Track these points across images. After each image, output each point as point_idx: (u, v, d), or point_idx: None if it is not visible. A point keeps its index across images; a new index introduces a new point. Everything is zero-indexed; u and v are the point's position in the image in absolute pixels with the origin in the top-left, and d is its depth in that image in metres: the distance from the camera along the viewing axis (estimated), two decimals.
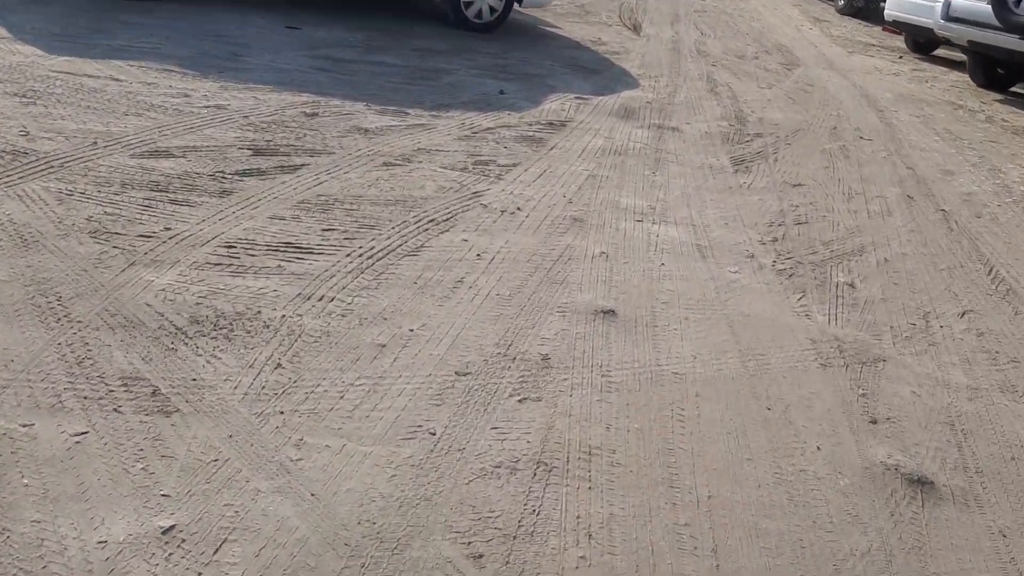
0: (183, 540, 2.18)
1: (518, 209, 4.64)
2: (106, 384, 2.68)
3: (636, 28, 11.17)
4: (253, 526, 2.26)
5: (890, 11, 13.03)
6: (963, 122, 8.68)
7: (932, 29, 11.21)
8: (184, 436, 2.53)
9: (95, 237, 3.51)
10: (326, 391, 2.85)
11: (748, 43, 11.56)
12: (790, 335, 3.85)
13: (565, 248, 4.28)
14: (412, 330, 3.30)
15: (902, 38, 14.09)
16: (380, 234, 4.03)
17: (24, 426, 2.46)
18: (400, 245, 3.97)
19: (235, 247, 3.63)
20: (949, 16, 10.60)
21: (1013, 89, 10.95)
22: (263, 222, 3.91)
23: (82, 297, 3.11)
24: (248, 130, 4.95)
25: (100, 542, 2.13)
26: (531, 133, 6.03)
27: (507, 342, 3.34)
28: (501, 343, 3.32)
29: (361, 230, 4.04)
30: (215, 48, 6.44)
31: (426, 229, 4.18)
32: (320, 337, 3.14)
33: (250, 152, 4.66)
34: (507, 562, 2.29)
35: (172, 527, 2.21)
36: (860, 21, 16.54)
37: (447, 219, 4.34)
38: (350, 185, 4.50)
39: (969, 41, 10.29)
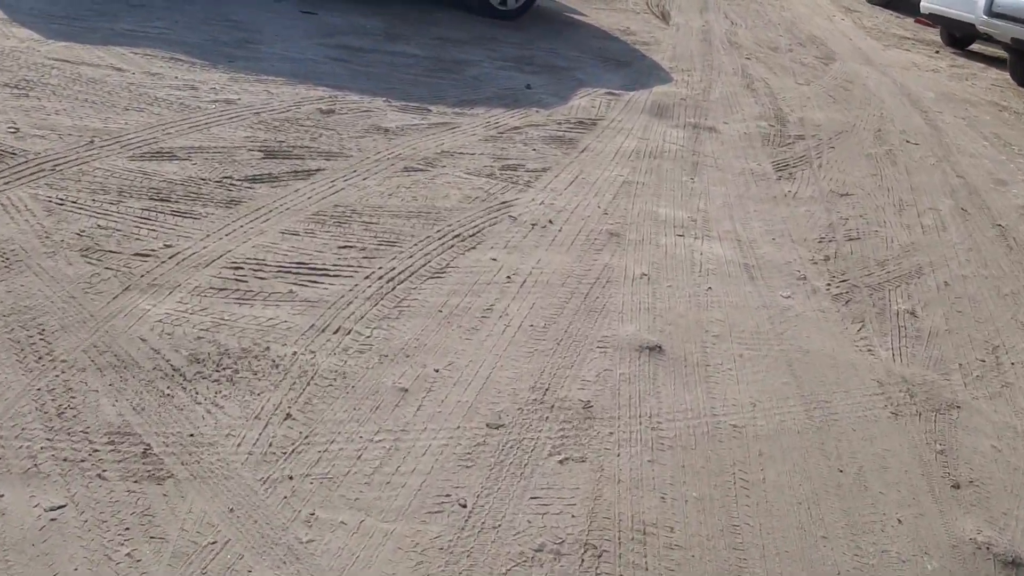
0: None
1: (550, 222, 4.26)
2: (90, 441, 2.32)
3: (664, 17, 10.72)
4: None
5: (927, 3, 12.53)
6: (1010, 125, 8.24)
7: (973, 24, 10.75)
8: (178, 510, 2.16)
9: (86, 256, 3.14)
10: (341, 449, 2.48)
11: (780, 34, 11.10)
12: (854, 375, 3.47)
13: (603, 268, 3.91)
14: (437, 370, 2.93)
15: (935, 30, 13.61)
16: (401, 252, 3.65)
17: None
18: (423, 265, 3.59)
19: (242, 268, 3.26)
20: (992, 12, 10.14)
21: None
22: (274, 238, 3.54)
23: (68, 330, 2.74)
24: (259, 129, 4.57)
25: None
26: (561, 133, 5.63)
27: (543, 385, 2.97)
28: (537, 386, 2.95)
29: (381, 247, 3.66)
30: (226, 34, 6.05)
31: (451, 246, 3.81)
32: (335, 379, 2.78)
33: (261, 154, 4.28)
34: None
35: None
36: (891, 11, 16.03)
37: (474, 234, 3.96)
38: (369, 194, 4.12)
39: (1013, 39, 9.83)
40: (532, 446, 2.65)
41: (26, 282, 2.94)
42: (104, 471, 2.24)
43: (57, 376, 2.54)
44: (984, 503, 2.86)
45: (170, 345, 2.77)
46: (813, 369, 3.45)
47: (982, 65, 11.79)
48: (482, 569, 2.19)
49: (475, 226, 4.05)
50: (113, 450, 2.31)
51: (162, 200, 3.64)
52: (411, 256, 3.65)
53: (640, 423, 2.86)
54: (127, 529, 2.09)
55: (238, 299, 3.08)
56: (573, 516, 2.41)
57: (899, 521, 2.67)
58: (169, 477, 2.27)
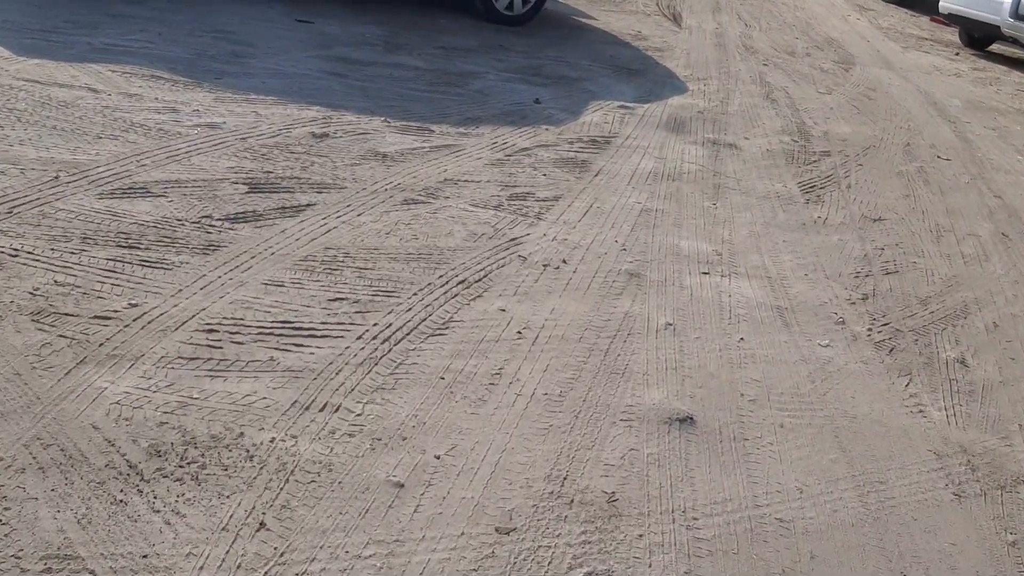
0: None
1: (563, 262, 3.86)
2: (22, 570, 1.93)
3: (676, 19, 10.31)
4: None
5: (946, 4, 12.11)
6: None
7: (997, 27, 10.32)
8: None
9: (38, 321, 2.75)
10: (324, 570, 2.09)
11: (796, 36, 10.68)
12: (908, 445, 3.07)
13: (623, 317, 3.51)
14: (438, 457, 2.54)
15: (952, 30, 13.22)
16: (399, 304, 3.26)
17: None
18: (424, 320, 3.20)
19: (217, 331, 2.87)
20: (1020, 14, 9.71)
21: None
22: (255, 290, 3.15)
23: (8, 417, 2.36)
24: (245, 157, 4.17)
25: None
26: (572, 154, 5.23)
27: (561, 473, 2.58)
28: (554, 475, 2.56)
29: (376, 299, 3.27)
30: (214, 47, 5.65)
31: (455, 295, 3.41)
32: (319, 473, 2.38)
33: (246, 188, 3.89)
34: None
35: None
36: (906, 10, 15.60)
37: (480, 279, 3.57)
38: (364, 233, 3.72)
39: None
40: (549, 557, 2.26)
41: None
42: None
43: None
44: None
45: (127, 434, 2.38)
46: (863, 439, 3.05)
47: (1005, 68, 11.37)
48: None
49: (482, 269, 3.65)
50: None
51: (131, 247, 3.25)
52: (410, 308, 3.25)
53: (674, 521, 2.46)
54: None
55: (210, 371, 2.69)
56: None
57: None
58: None
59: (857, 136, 6.74)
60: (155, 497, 2.20)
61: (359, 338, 3.01)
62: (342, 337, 3.00)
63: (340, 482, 2.38)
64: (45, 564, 1.98)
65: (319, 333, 2.99)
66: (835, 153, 6.25)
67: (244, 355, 2.79)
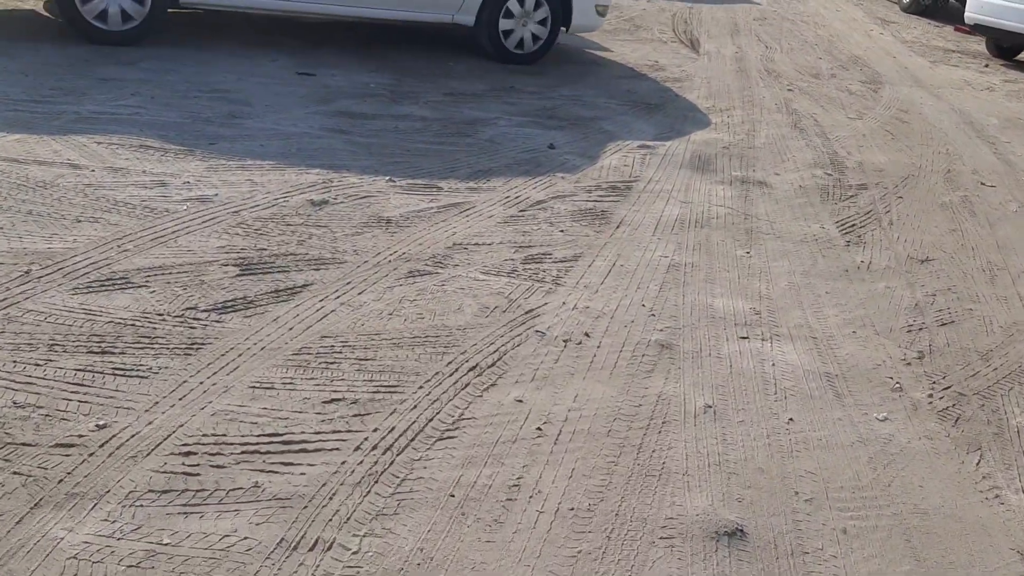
0: None
1: (586, 335, 3.49)
2: None
3: (694, 45, 9.97)
4: None
5: (972, 13, 11.69)
6: None
7: None
8: None
9: None
10: None
11: (820, 56, 10.30)
12: (989, 546, 2.67)
13: (656, 401, 3.13)
14: None
15: (977, 39, 12.78)
16: (403, 402, 2.90)
17: None
18: (431, 420, 2.84)
19: (195, 453, 2.53)
20: None
21: None
22: (241, 396, 2.80)
23: None
24: (237, 234, 3.85)
25: None
26: (591, 204, 4.88)
27: None
28: None
29: (377, 396, 2.91)
30: (209, 108, 5.36)
31: (466, 385, 3.05)
32: None
33: (236, 270, 3.56)
34: None
35: None
36: (928, 20, 15.17)
37: (493, 363, 3.21)
38: (365, 315, 3.38)
39: None
40: None
41: None
42: None
43: None
44: None
45: None
46: (938, 542, 2.65)
47: None
48: None
49: (495, 351, 3.30)
50: None
51: (104, 353, 2.92)
52: (415, 406, 2.90)
53: None
54: None
55: (185, 506, 2.34)
56: None
57: None
58: None
59: (894, 165, 6.34)
60: None
61: (357, 449, 2.66)
62: (338, 450, 2.65)
63: None
64: None
65: (311, 446, 2.64)
66: (872, 186, 5.86)
67: (225, 482, 2.44)
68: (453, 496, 2.54)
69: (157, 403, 2.72)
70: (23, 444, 2.48)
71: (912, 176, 6.14)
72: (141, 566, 2.14)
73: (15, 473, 2.37)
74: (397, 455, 2.66)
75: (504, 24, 7.49)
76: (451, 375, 3.11)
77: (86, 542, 2.18)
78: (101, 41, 6.23)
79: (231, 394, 2.82)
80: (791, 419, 3.17)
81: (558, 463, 2.74)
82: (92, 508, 2.29)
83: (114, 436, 2.56)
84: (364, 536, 2.34)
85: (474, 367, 3.18)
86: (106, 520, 2.26)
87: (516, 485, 2.62)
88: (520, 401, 3.03)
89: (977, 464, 3.10)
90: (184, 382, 2.84)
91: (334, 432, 2.72)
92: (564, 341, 3.44)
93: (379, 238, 4.05)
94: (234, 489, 2.43)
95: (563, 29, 7.75)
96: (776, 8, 13.49)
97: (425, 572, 2.26)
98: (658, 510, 2.59)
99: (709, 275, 4.27)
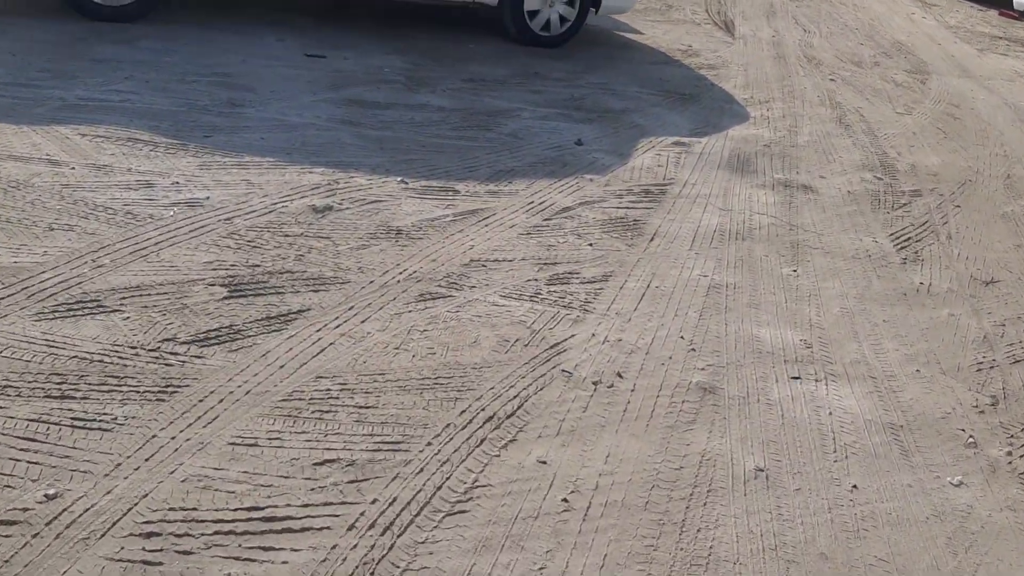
0: None
1: (618, 375, 3.06)
2: None
3: (728, 27, 9.44)
4: None
5: None
6: None
7: None
8: None
9: None
10: None
11: (861, 42, 9.75)
12: None
13: (700, 462, 2.71)
14: None
15: (1023, 24, 12.19)
16: (408, 463, 2.49)
17: None
18: (439, 488, 2.42)
19: (159, 534, 2.12)
20: None
21: None
22: (218, 456, 2.39)
23: None
24: (228, 246, 3.43)
25: None
26: (622, 211, 4.43)
27: None
28: None
29: (378, 456, 2.50)
30: (208, 95, 4.93)
31: (481, 440, 2.64)
32: None
33: (224, 291, 3.15)
34: None
35: None
36: (970, 3, 14.52)
37: (514, 412, 2.79)
38: (368, 350, 2.96)
39: None
40: None
41: None
42: None
43: None
44: None
45: None
46: None
47: None
48: None
49: (515, 396, 2.87)
50: None
51: (63, 397, 2.51)
52: (422, 469, 2.48)
53: None
54: None
55: None
56: None
57: None
58: None
59: (949, 168, 5.85)
60: None
61: (351, 528, 2.25)
62: (328, 528, 2.23)
63: None
64: None
65: (298, 524, 2.23)
66: (927, 192, 5.37)
67: (191, 574, 2.03)
68: None
69: (119, 465, 2.32)
70: None
71: (969, 181, 5.66)
72: None
73: None
74: (398, 536, 2.25)
75: (529, 4, 7.02)
76: (464, 427, 2.69)
77: None
78: (98, 17, 5.82)
79: (207, 453, 2.41)
80: (854, 486, 2.74)
81: (588, 547, 2.32)
82: None
83: (65, 510, 2.15)
84: None
85: (491, 417, 2.76)
86: None
87: (540, 574, 2.20)
88: (544, 462, 2.60)
89: None
90: (153, 436, 2.43)
91: (325, 504, 2.31)
92: (593, 383, 3.01)
93: (387, 252, 3.62)
94: None
95: (592, 10, 7.25)
96: None
97: None
98: None
99: (753, 298, 3.82)
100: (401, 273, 3.49)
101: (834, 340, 3.60)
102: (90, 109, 4.48)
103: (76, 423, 2.44)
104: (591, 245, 4.03)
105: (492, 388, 2.90)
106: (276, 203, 3.85)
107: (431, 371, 2.93)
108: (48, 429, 2.40)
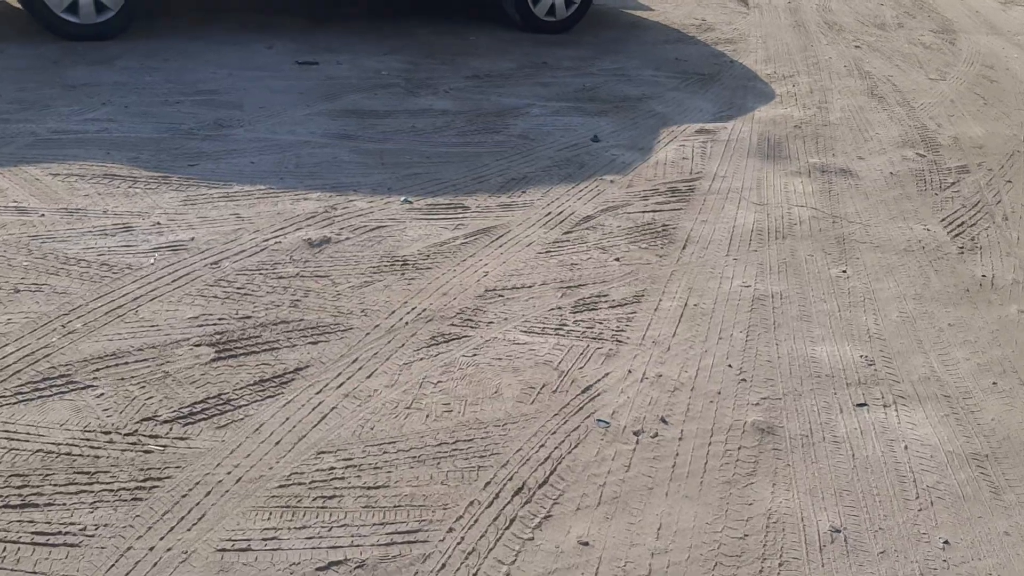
0: None
1: (662, 421, 2.69)
2: None
3: None
4: None
5: None
6: None
7: None
8: None
9: None
10: None
11: (880, 1, 9.26)
12: None
13: (765, 526, 2.33)
14: None
15: None
16: (426, 559, 2.13)
17: None
18: None
19: None
20: None
21: None
22: (204, 569, 2.05)
23: None
24: (215, 297, 3.07)
25: None
26: (649, 215, 4.04)
27: None
28: None
29: (391, 552, 2.14)
30: (192, 116, 4.56)
31: (511, 521, 2.27)
32: None
33: (211, 352, 2.78)
34: None
35: None
36: None
37: (545, 479, 2.42)
38: (375, 413, 2.59)
39: None
40: None
41: None
42: None
43: None
44: None
45: None
46: None
47: None
48: None
49: (546, 458, 2.50)
50: None
51: (24, 506, 2.16)
52: (443, 566, 2.12)
53: None
54: None
55: None
56: None
57: None
58: None
59: (994, 139, 5.40)
60: None
61: None
62: None
63: None
64: None
65: None
66: (974, 168, 4.94)
67: None
68: None
69: None
70: None
71: (1018, 152, 5.22)
72: None
73: None
74: None
75: None
76: (491, 504, 2.32)
77: None
78: (73, 37, 5.45)
79: (192, 565, 2.05)
80: (946, 541, 2.36)
81: None
82: None
83: None
84: None
85: (520, 488, 2.38)
86: None
87: None
88: (585, 543, 2.23)
89: None
90: (129, 549, 2.08)
91: None
92: (635, 433, 2.63)
93: (393, 289, 3.25)
94: None
95: None
96: None
97: None
98: None
99: (803, 309, 3.43)
100: (409, 313, 3.11)
101: (898, 353, 3.20)
102: (63, 143, 4.12)
103: (37, 539, 2.08)
104: (618, 260, 3.64)
105: (519, 450, 2.52)
106: (268, 239, 3.48)
107: (448, 434, 2.56)
108: (4, 551, 2.04)
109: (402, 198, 3.95)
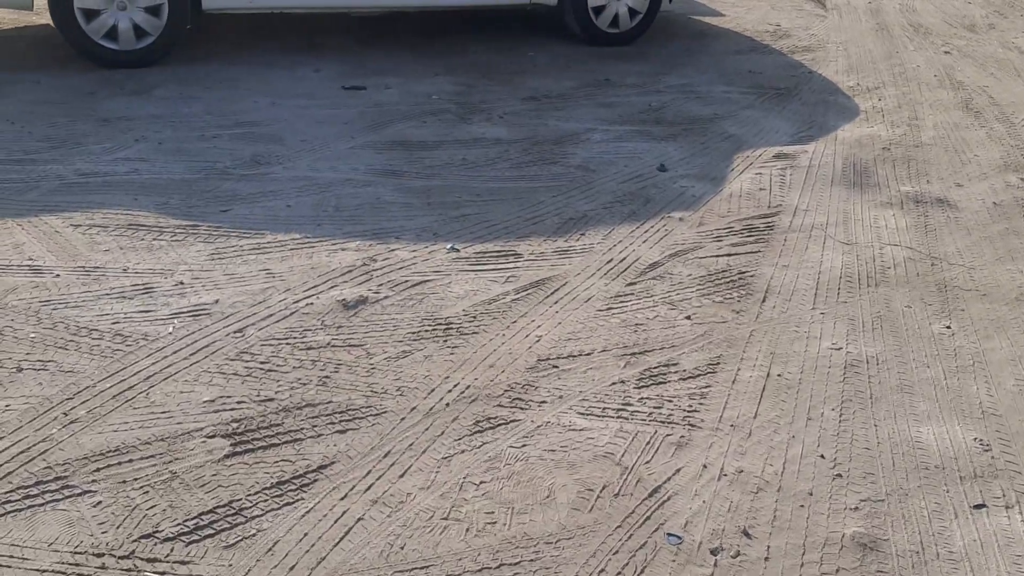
0: None
1: (745, 535, 2.29)
2: None
3: None
4: None
5: None
6: None
7: None
8: None
9: None
10: None
11: None
12: None
13: None
14: None
15: None
16: None
17: None
18: None
19: None
20: None
21: None
22: None
23: None
24: (235, 374, 2.74)
25: None
26: (723, 261, 3.62)
27: None
28: None
29: None
30: (229, 154, 4.27)
31: None
32: None
33: (227, 445, 2.46)
34: None
35: None
36: None
37: None
38: (407, 524, 2.24)
39: None
40: None
41: None
42: None
43: None
44: None
45: None
46: None
47: None
48: None
49: None
50: None
51: None
52: None
53: None
54: None
55: None
56: None
57: None
58: None
59: None
60: None
61: None
62: None
63: None
64: None
65: None
66: None
67: None
68: None
69: None
70: None
71: None
72: None
73: None
74: None
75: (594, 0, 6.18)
76: None
77: None
78: (114, 64, 5.21)
79: None
80: None
81: None
82: None
83: None
84: None
85: None
86: None
87: None
88: None
89: None
90: None
91: None
92: (712, 552, 2.23)
93: (434, 360, 2.89)
94: None
95: (667, 1, 6.39)
96: None
97: None
98: None
99: (903, 376, 2.98)
100: (451, 391, 2.75)
101: (1017, 434, 2.74)
102: (90, 188, 3.85)
103: None
104: (689, 318, 3.23)
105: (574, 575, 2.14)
106: (299, 300, 3.15)
107: (491, 553, 2.18)
108: None
109: (448, 245, 3.59)
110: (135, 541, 2.16)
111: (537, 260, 3.56)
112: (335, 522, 2.25)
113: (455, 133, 4.73)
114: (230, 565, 2.11)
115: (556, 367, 2.92)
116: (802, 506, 2.41)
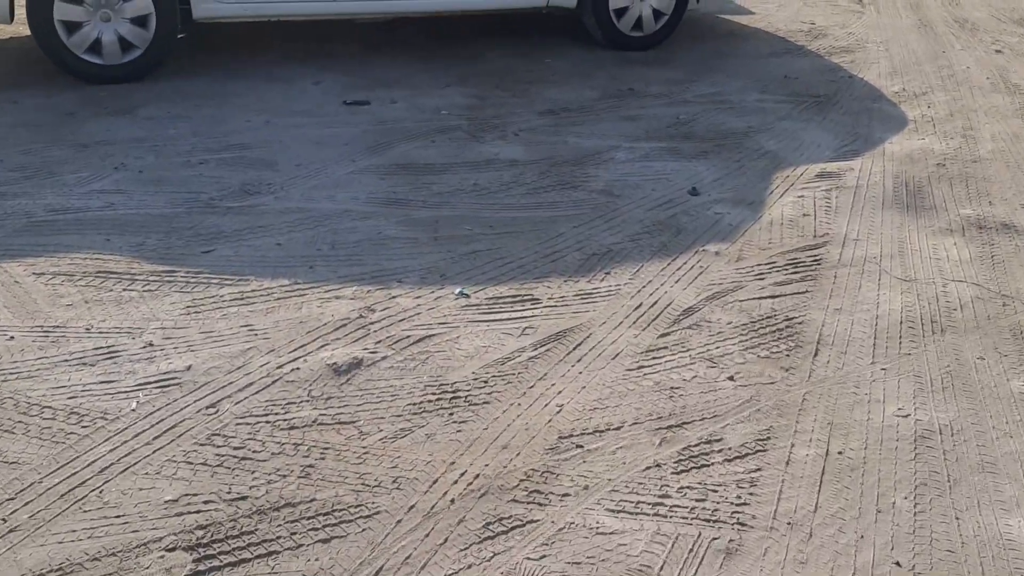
0: None
1: None
2: None
3: None
4: None
5: None
6: None
7: None
8: None
9: None
10: None
11: None
12: None
13: None
14: None
15: None
16: None
17: None
18: None
19: None
20: None
21: None
22: None
23: None
24: (204, 464, 2.34)
25: None
26: (767, 305, 3.19)
27: None
28: None
29: None
30: (216, 181, 3.88)
31: None
32: None
33: (188, 561, 2.08)
34: None
35: None
36: None
37: None
38: None
39: None
40: None
41: None
42: None
43: None
44: None
45: None
46: None
47: None
48: None
49: None
50: None
51: None
52: None
53: None
54: None
55: None
56: None
57: None
58: None
59: None
60: None
61: None
62: None
63: None
64: None
65: None
66: None
67: None
68: None
69: None
70: None
71: None
72: None
73: None
74: None
75: (616, 1, 5.73)
76: None
77: None
78: (98, 80, 4.83)
79: None
80: None
81: None
82: None
83: None
84: None
85: None
86: None
87: None
88: None
89: None
90: None
91: None
92: None
93: (437, 440, 2.47)
94: None
95: (694, 2, 5.94)
96: None
97: None
98: None
99: (984, 451, 2.55)
100: (456, 483, 2.33)
101: None
102: (59, 227, 3.47)
103: None
104: (732, 379, 2.81)
105: None
106: (283, 364, 2.75)
107: None
108: None
109: (457, 289, 3.18)
110: None
111: (557, 307, 3.14)
112: None
113: (465, 154, 4.30)
114: None
115: (580, 447, 2.50)
116: None
